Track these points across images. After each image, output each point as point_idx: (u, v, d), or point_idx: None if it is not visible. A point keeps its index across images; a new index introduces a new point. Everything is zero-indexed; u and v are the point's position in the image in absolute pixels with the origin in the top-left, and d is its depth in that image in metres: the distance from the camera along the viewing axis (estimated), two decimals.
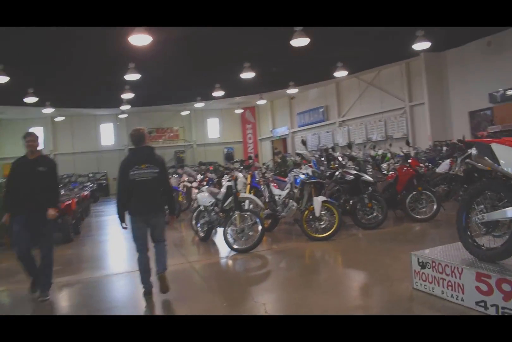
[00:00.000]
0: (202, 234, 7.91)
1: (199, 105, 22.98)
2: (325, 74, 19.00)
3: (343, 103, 22.00)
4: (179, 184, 12.17)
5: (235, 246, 6.72)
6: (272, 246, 7.07)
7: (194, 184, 11.74)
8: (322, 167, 7.48)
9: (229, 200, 7.05)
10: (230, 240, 6.79)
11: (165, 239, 4.84)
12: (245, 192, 7.20)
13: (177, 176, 14.79)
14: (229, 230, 6.84)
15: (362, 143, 20.49)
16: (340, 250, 6.51)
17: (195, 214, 8.55)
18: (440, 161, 11.22)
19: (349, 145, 9.37)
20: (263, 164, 16.26)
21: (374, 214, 7.74)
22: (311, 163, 7.45)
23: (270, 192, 8.22)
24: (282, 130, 26.08)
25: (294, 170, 7.72)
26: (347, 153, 12.24)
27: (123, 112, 24.19)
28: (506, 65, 14.78)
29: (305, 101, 24.23)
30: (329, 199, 7.23)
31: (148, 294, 4.70)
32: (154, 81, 18.22)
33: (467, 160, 3.86)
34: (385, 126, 19.66)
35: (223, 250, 7.02)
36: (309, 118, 23.98)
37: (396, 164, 12.11)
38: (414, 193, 8.11)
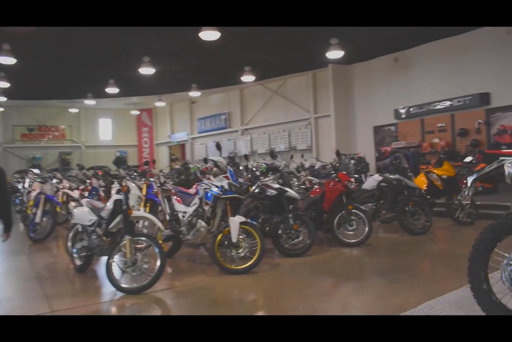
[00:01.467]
0: (78, 262, 5.77)
1: (90, 102, 20.22)
2: (230, 78, 17.46)
3: (246, 111, 20.64)
4: (57, 191, 9.70)
5: (124, 285, 4.73)
6: (174, 283, 5.16)
7: (74, 193, 9.37)
8: (240, 180, 5.77)
9: (117, 219, 5.04)
10: (117, 275, 4.79)
11: None
12: (139, 208, 5.26)
13: (55, 181, 12.19)
14: (115, 261, 4.85)
15: (265, 153, 19.25)
16: (265, 290, 4.82)
17: (71, 234, 6.35)
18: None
19: (272, 154, 7.83)
20: (160, 171, 14.19)
21: (300, 238, 6.18)
22: (227, 174, 5.71)
23: (172, 207, 6.32)
24: (181, 136, 24.05)
25: (205, 181, 5.92)
26: (269, 163, 10.72)
27: None
28: (411, 82, 14.40)
29: (207, 106, 22.50)
30: (249, 220, 5.53)
31: None
32: (36, 71, 15.31)
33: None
34: (289, 137, 18.60)
35: (107, 289, 4.98)
36: (211, 125, 22.28)
37: (308, 177, 10.93)
38: (343, 212, 6.73)
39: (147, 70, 14.17)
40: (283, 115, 18.97)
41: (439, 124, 13.69)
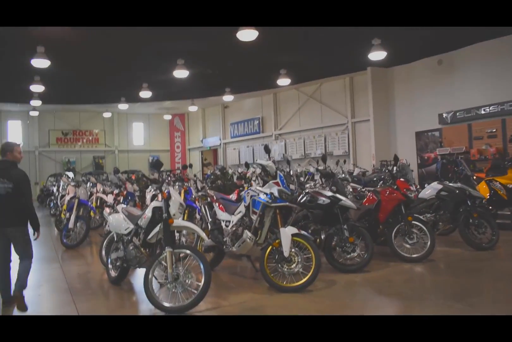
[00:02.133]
0: (113, 273, 5.23)
1: (123, 106, 19.92)
2: (265, 82, 16.88)
3: (280, 115, 20.01)
4: (91, 196, 9.27)
5: (165, 304, 4.14)
6: (220, 301, 4.53)
7: (108, 198, 8.90)
8: (292, 186, 5.12)
9: (156, 229, 4.47)
10: (156, 291, 4.21)
11: (29, 255, 4.53)
12: (181, 217, 4.68)
13: (90, 184, 11.81)
14: (155, 275, 4.27)
15: (299, 158, 18.57)
16: (324, 313, 4.15)
17: (105, 242, 5.85)
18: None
19: (324, 158, 7.14)
20: (194, 176, 13.69)
21: (356, 252, 5.49)
22: (278, 180, 5.07)
23: (214, 215, 5.73)
24: (213, 141, 23.59)
25: (252, 188, 5.29)
26: (316, 167, 10.04)
27: (34, 109, 20.50)
28: (457, 86, 13.51)
29: (240, 111, 21.99)
30: (302, 232, 4.87)
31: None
32: (70, 75, 15.08)
33: None
34: (325, 142, 17.86)
35: (144, 306, 4.40)
36: (243, 130, 21.74)
37: (352, 184, 10.18)
38: (401, 223, 6.00)
39: (181, 73, 13.72)
40: (318, 120, 18.27)
41: (489, 130, 12.75)
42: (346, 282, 5.03)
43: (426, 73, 14.50)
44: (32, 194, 4.75)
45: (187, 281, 4.16)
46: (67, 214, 8.53)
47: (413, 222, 5.99)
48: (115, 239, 5.11)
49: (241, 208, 5.29)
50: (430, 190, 6.89)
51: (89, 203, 8.59)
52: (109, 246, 5.47)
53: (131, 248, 4.69)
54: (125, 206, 5.38)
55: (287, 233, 4.77)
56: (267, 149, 5.51)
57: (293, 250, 4.76)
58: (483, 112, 12.76)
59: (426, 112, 14.36)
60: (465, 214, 6.56)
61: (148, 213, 4.54)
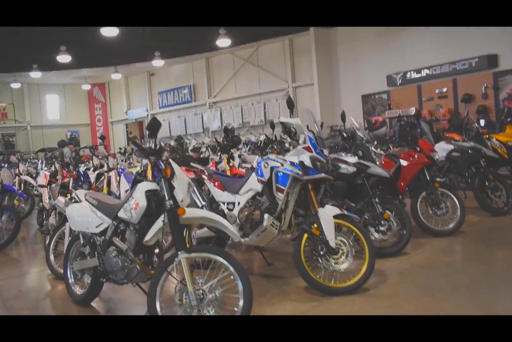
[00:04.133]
0: (79, 291, 3.55)
1: (35, 75, 16.94)
2: (201, 43, 14.98)
3: (214, 82, 18.23)
4: (14, 179, 7.19)
5: None
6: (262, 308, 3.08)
7: (39, 180, 6.91)
8: (325, 152, 3.71)
9: (158, 224, 2.85)
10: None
11: None
12: (193, 202, 3.11)
13: (5, 165, 9.52)
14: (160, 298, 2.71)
15: (237, 128, 17.06)
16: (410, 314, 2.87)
17: (52, 244, 4.14)
18: None
19: (343, 116, 5.73)
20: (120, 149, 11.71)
21: (392, 232, 4.27)
22: (308, 144, 3.64)
23: (208, 196, 4.19)
24: (139, 112, 21.25)
25: (271, 157, 3.82)
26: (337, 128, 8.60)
27: None
28: (406, 46, 12.67)
29: (168, 78, 19.83)
30: (346, 212, 3.52)
31: None
32: None
33: None
34: (265, 109, 16.51)
35: None
36: (173, 99, 19.68)
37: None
38: (426, 191, 4.88)
39: (109, 31, 11.50)
40: (256, 85, 16.80)
41: (439, 90, 12.14)
42: (398, 272, 3.81)
43: (372, 33, 13.48)
44: None
45: (215, 300, 2.65)
46: None
47: (439, 188, 4.89)
48: (81, 242, 3.40)
49: (252, 185, 3.81)
50: (439, 150, 5.83)
51: (17, 189, 6.54)
52: (69, 253, 3.72)
53: (113, 254, 3.04)
54: (84, 190, 3.64)
55: (328, 214, 3.40)
56: (290, 103, 4.01)
57: (339, 238, 3.41)
58: (434, 72, 12.09)
59: (372, 74, 13.46)
60: (480, 176, 5.62)
61: (140, 200, 2.90)
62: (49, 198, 5.16)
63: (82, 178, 4.47)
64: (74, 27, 12.19)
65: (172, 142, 10.23)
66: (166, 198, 2.80)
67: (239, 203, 3.86)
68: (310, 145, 3.60)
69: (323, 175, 3.54)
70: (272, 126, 7.56)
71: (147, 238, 2.83)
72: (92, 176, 7.29)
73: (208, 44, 14.59)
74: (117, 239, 3.07)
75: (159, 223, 2.81)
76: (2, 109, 20.35)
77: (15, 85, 19.48)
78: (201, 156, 8.79)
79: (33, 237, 6.76)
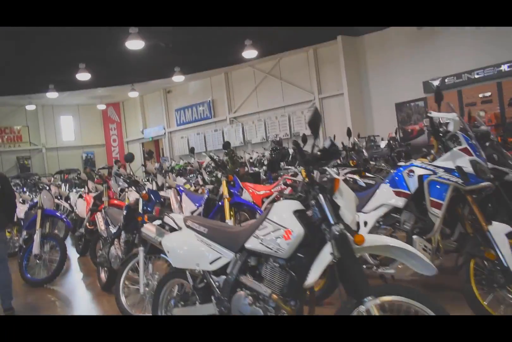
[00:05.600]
0: None
1: (52, 95, 16.29)
2: (226, 57, 14.35)
3: (234, 97, 17.57)
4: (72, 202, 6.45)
5: None
6: None
7: (80, 204, 6.12)
8: (483, 155, 2.91)
9: (326, 260, 2.02)
10: None
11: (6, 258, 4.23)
12: None
13: (23, 189, 8.82)
14: None
15: (261, 142, 16.35)
16: None
17: (122, 280, 3.33)
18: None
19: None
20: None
21: None
22: (466, 145, 2.84)
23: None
24: (155, 130, 20.57)
25: (416, 162, 3.01)
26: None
27: None
28: (442, 50, 11.96)
29: (185, 95, 19.20)
30: None
31: None
32: None
33: None
34: (290, 122, 15.78)
35: None
36: (191, 116, 19.01)
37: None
38: None
39: (134, 44, 10.85)
40: (279, 98, 16.11)
41: (482, 95, 11.39)
42: None
43: (403, 39, 12.85)
44: None
45: None
46: (23, 234, 5.64)
47: None
48: (189, 283, 2.56)
49: (384, 199, 3.00)
50: None
51: (61, 214, 5.71)
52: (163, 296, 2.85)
53: (245, 301, 2.19)
54: (181, 215, 2.81)
55: (501, 233, 2.58)
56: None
57: None
58: (476, 76, 11.36)
59: (406, 81, 12.74)
60: None
61: (293, 226, 2.07)
62: (106, 224, 4.33)
63: (153, 198, 3.66)
64: (93, 44, 11.65)
65: (220, 157, 9.39)
66: (331, 221, 2.00)
67: (366, 223, 3.04)
68: (468, 147, 2.79)
69: (487, 183, 2.72)
70: (304, 140, 6.72)
71: (310, 279, 1.99)
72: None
73: (232, 57, 13.99)
74: (251, 279, 2.24)
75: (325, 257, 1.98)
76: (17, 132, 19.69)
77: (30, 107, 18.87)
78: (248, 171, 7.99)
79: (78, 269, 5.91)
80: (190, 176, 10.25)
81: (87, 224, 5.71)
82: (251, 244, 2.25)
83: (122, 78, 16.27)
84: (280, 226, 2.12)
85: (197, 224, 2.58)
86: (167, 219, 2.72)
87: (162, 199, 3.96)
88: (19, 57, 11.80)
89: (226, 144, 4.98)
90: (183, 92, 19.22)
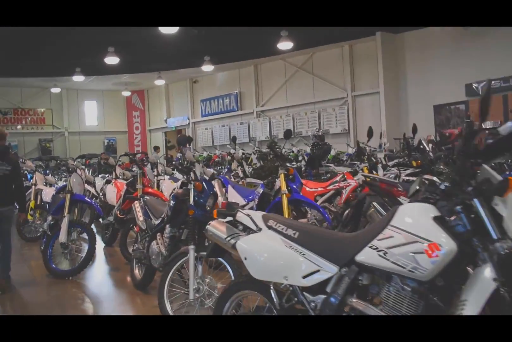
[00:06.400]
0: None
1: (78, 79, 15.90)
2: (259, 48, 13.78)
3: (263, 90, 16.99)
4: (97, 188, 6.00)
5: None
6: None
7: (110, 190, 5.64)
8: None
9: (488, 287, 1.48)
10: None
11: (10, 235, 4.52)
12: None
13: (46, 172, 8.41)
14: None
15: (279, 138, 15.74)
16: None
17: (167, 282, 2.84)
18: None
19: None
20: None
21: None
22: None
23: None
24: (179, 120, 20.11)
25: None
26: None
27: None
28: (486, 52, 11.28)
29: (212, 86, 18.67)
30: None
31: None
32: (6, 39, 11.14)
33: None
34: (320, 119, 15.17)
35: None
36: (217, 107, 18.48)
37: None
38: None
39: (167, 29, 10.35)
40: (310, 94, 15.51)
41: None
42: None
43: (445, 38, 12.16)
44: None
45: None
46: (48, 219, 5.17)
47: None
48: (274, 299, 2.02)
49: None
50: None
51: (91, 200, 5.22)
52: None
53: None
54: (260, 212, 2.26)
55: None
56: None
57: None
58: None
59: (447, 83, 12.05)
60: None
61: (442, 239, 1.54)
62: (145, 214, 3.82)
63: (207, 189, 3.14)
64: (123, 28, 11.19)
65: (262, 149, 8.84)
66: (494, 235, 1.46)
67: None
68: None
69: None
70: (370, 134, 6.17)
71: (467, 312, 1.45)
72: (168, 186, 6.00)
73: (266, 48, 13.42)
74: (364, 303, 1.70)
75: (485, 285, 1.44)
76: (41, 114, 19.38)
77: (55, 90, 18.53)
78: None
79: (104, 261, 5.43)
80: (218, 167, 9.78)
81: (118, 212, 5.22)
82: (366, 257, 1.71)
83: (150, 65, 15.80)
84: (417, 238, 1.58)
85: (283, 224, 2.05)
86: (241, 216, 2.18)
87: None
88: (47, 38, 11.37)
89: (288, 133, 4.42)
90: (210, 83, 18.70)
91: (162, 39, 11.63)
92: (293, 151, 11.85)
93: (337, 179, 4.72)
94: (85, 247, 4.78)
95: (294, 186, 3.65)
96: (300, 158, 9.43)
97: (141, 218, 3.85)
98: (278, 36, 12.25)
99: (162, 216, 3.53)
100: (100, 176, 8.62)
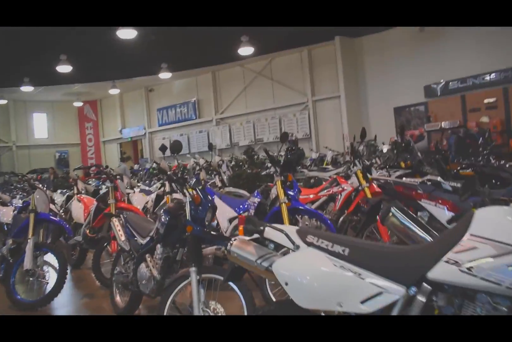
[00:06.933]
0: None
1: (27, 89, 14.90)
2: (217, 54, 13.45)
3: (221, 97, 16.65)
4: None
5: None
6: None
7: (76, 208, 5.09)
8: None
9: None
10: None
11: None
12: None
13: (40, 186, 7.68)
14: None
15: (249, 145, 15.45)
16: None
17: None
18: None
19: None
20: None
21: None
22: None
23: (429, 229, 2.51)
24: (135, 130, 19.35)
25: None
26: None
27: None
28: (443, 53, 11.53)
29: (169, 94, 18.12)
30: None
31: None
32: None
33: None
34: (280, 125, 15.00)
35: None
36: (175, 116, 17.94)
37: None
38: None
39: (126, 33, 9.83)
40: (270, 100, 15.33)
41: (487, 101, 10.96)
42: None
43: (403, 41, 12.34)
44: None
45: None
46: (7, 242, 4.55)
47: None
48: None
49: None
50: None
51: (59, 220, 4.63)
52: None
53: None
54: (292, 226, 1.90)
55: None
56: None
57: None
58: (482, 81, 10.92)
59: (406, 85, 12.20)
60: None
61: None
62: (128, 233, 3.35)
63: (205, 202, 2.74)
64: (76, 35, 10.51)
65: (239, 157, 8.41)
66: None
67: None
68: None
69: None
70: (363, 135, 5.97)
71: None
72: (140, 200, 5.52)
73: (225, 54, 13.11)
74: None
75: None
76: None
77: (1, 102, 17.31)
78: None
79: (75, 286, 4.84)
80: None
81: (88, 230, 4.68)
82: (443, 273, 1.40)
83: (104, 74, 15.07)
84: None
85: (326, 240, 1.70)
86: (270, 232, 1.81)
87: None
88: None
89: (284, 136, 4.07)
90: (166, 91, 18.14)
91: (118, 46, 11.08)
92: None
93: (327, 184, 4.44)
94: (51, 272, 4.21)
95: (293, 194, 3.32)
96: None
97: (122, 237, 3.37)
98: (238, 41, 11.99)
99: (151, 234, 3.08)
100: (58, 191, 7.93)
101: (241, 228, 1.82)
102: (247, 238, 1.89)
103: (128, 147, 20.60)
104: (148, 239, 3.10)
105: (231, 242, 1.89)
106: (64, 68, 12.31)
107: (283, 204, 3.25)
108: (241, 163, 7.66)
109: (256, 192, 3.48)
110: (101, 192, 7.33)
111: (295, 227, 1.86)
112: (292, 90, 14.70)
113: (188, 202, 2.76)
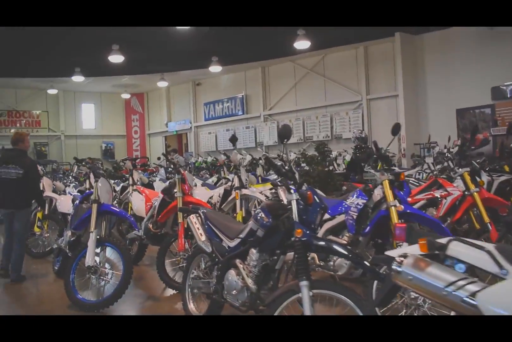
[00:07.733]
0: None
1: (77, 79, 14.87)
2: (272, 47, 12.95)
3: (270, 93, 16.16)
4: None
5: None
6: None
7: (137, 200, 4.72)
8: None
9: None
10: None
11: (24, 238, 4.72)
12: None
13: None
14: None
15: (297, 143, 14.92)
16: None
17: None
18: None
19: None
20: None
21: None
22: None
23: None
24: (181, 124, 19.15)
25: None
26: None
27: None
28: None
29: (216, 89, 17.78)
30: None
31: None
32: (5, 38, 10.20)
33: None
34: (332, 123, 14.38)
35: None
36: (222, 111, 17.59)
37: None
38: None
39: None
40: (321, 97, 14.72)
41: None
42: None
43: (468, 40, 11.46)
44: None
45: None
46: (66, 234, 4.22)
47: None
48: None
49: None
50: None
51: (124, 212, 4.27)
52: None
53: None
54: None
55: None
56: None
57: None
58: None
59: (471, 86, 11.33)
60: None
61: None
62: (211, 233, 2.90)
63: (317, 203, 2.24)
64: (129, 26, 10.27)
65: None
66: None
67: None
68: None
69: None
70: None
71: None
72: (203, 194, 5.08)
73: (279, 48, 12.60)
74: None
75: None
76: (36, 117, 18.26)
77: (52, 92, 17.45)
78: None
79: (138, 285, 4.46)
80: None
81: (151, 225, 4.28)
82: None
83: (154, 66, 14.85)
84: None
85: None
86: (459, 249, 1.30)
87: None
88: (46, 37, 10.42)
89: (396, 128, 3.54)
90: (214, 85, 17.81)
91: (170, 37, 10.80)
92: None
93: (426, 186, 3.89)
94: (111, 270, 3.82)
95: (404, 197, 2.77)
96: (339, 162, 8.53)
97: (203, 237, 2.92)
98: (294, 35, 11.45)
99: (241, 236, 2.61)
100: (112, 182, 7.65)
101: (422, 244, 1.30)
102: (417, 252, 1.38)
103: (172, 140, 20.45)
104: (238, 241, 2.63)
105: (399, 259, 1.38)
106: (116, 58, 12.11)
107: (393, 207, 2.72)
108: (312, 159, 7.08)
109: (358, 191, 2.96)
110: (154, 184, 7.02)
111: (489, 244, 1.33)
112: (345, 88, 14.05)
113: (294, 200, 2.27)
